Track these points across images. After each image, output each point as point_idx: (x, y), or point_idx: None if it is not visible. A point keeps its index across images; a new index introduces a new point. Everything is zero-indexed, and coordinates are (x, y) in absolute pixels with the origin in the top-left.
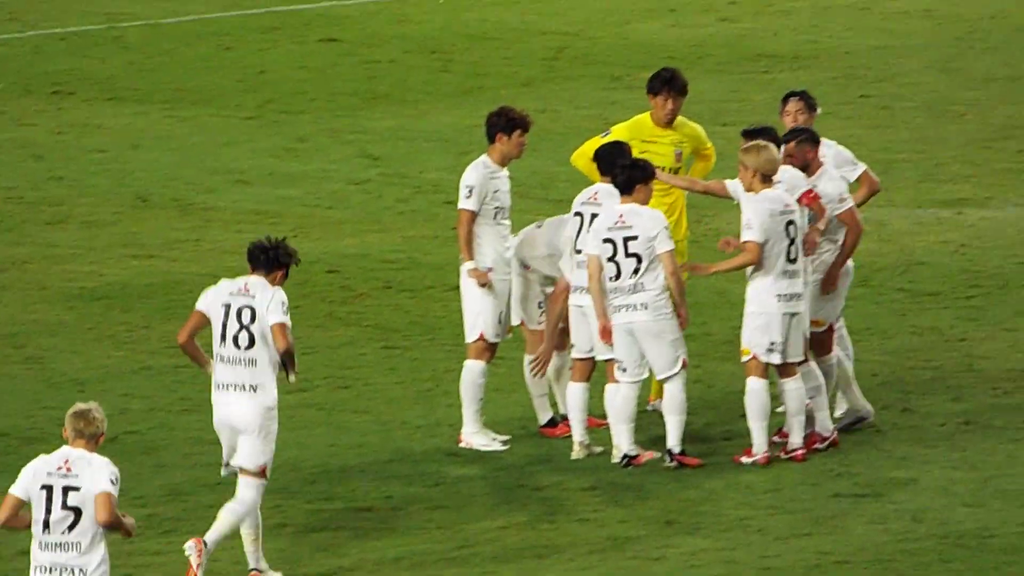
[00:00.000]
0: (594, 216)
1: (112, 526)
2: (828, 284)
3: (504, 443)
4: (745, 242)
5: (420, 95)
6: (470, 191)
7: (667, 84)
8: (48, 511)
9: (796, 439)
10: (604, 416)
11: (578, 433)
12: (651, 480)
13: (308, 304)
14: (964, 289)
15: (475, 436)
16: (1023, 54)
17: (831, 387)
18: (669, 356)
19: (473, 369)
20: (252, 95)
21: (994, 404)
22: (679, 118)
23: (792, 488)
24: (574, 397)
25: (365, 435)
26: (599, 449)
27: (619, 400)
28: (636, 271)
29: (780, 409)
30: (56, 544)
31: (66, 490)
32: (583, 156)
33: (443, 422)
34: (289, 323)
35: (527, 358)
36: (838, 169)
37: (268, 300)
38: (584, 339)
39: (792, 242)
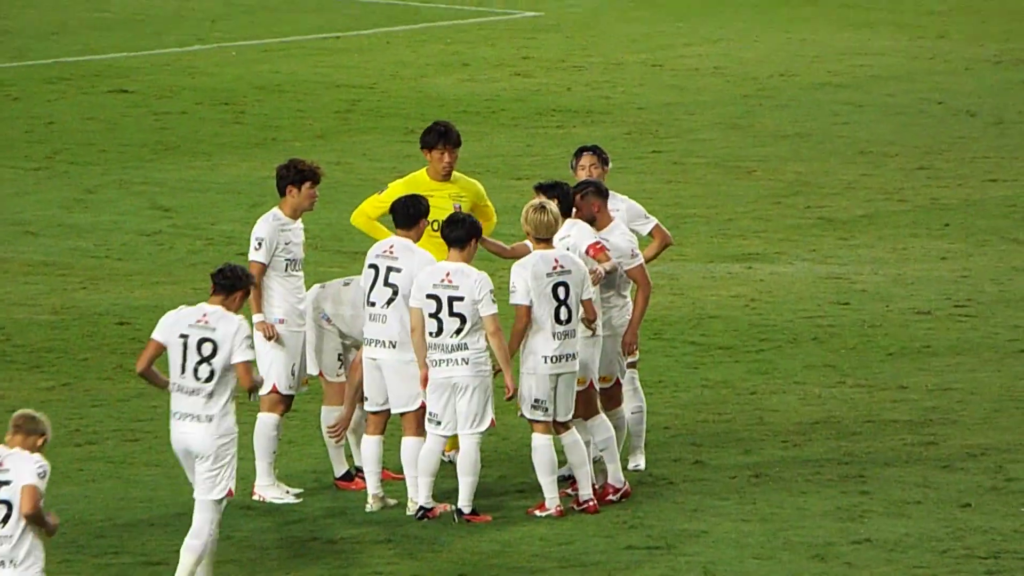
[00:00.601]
0: (390, 270)
1: (34, 519)
2: (629, 344)
3: (297, 496)
4: (514, 304)
5: (212, 147)
6: (259, 243)
7: (442, 137)
8: None
9: (585, 491)
10: (399, 469)
11: (373, 486)
12: (446, 533)
13: (97, 356)
14: (755, 343)
15: (268, 489)
16: (811, 111)
17: (622, 439)
18: (478, 413)
19: (267, 422)
20: (40, 146)
21: (783, 456)
22: (456, 172)
23: (585, 540)
24: (369, 450)
25: (155, 488)
26: (393, 502)
27: (425, 453)
28: (459, 331)
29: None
30: None
31: None
32: (361, 215)
33: (236, 475)
34: (253, 357)
35: (324, 410)
36: (631, 223)
37: (232, 336)
38: (377, 392)
39: (562, 303)
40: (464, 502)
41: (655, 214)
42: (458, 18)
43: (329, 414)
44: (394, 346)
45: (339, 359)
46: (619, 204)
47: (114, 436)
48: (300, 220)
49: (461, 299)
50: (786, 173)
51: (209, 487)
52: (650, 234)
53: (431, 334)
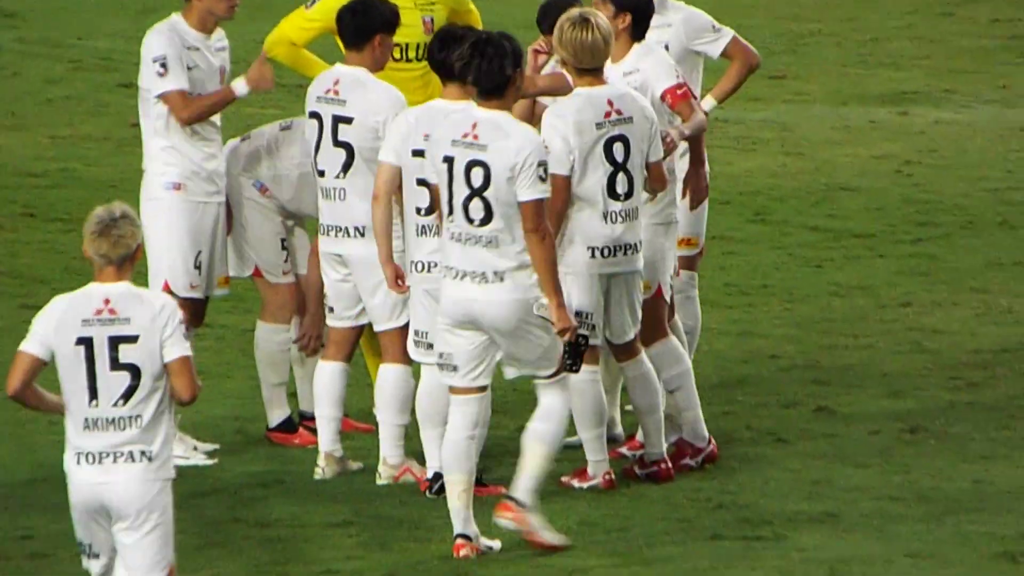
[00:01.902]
0: (337, 121)
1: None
2: (697, 193)
3: (210, 455)
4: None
5: None
6: (163, 64)
7: None
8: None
9: (654, 448)
10: (368, 416)
11: (327, 440)
12: (435, 513)
13: None
14: (910, 228)
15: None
16: None
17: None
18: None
19: None
20: None
21: (953, 402)
22: None
23: (647, 524)
24: (325, 384)
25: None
26: (357, 465)
27: (425, 394)
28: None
29: (630, 407)
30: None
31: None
32: (282, 42)
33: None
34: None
35: (261, 328)
36: (691, 42)
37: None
38: (341, 299)
39: (619, 168)
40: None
41: (755, 31)
42: None
43: (271, 334)
44: (362, 234)
45: (282, 247)
46: (673, 14)
47: None
48: (217, 35)
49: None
50: None
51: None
52: (724, 54)
53: (420, 210)
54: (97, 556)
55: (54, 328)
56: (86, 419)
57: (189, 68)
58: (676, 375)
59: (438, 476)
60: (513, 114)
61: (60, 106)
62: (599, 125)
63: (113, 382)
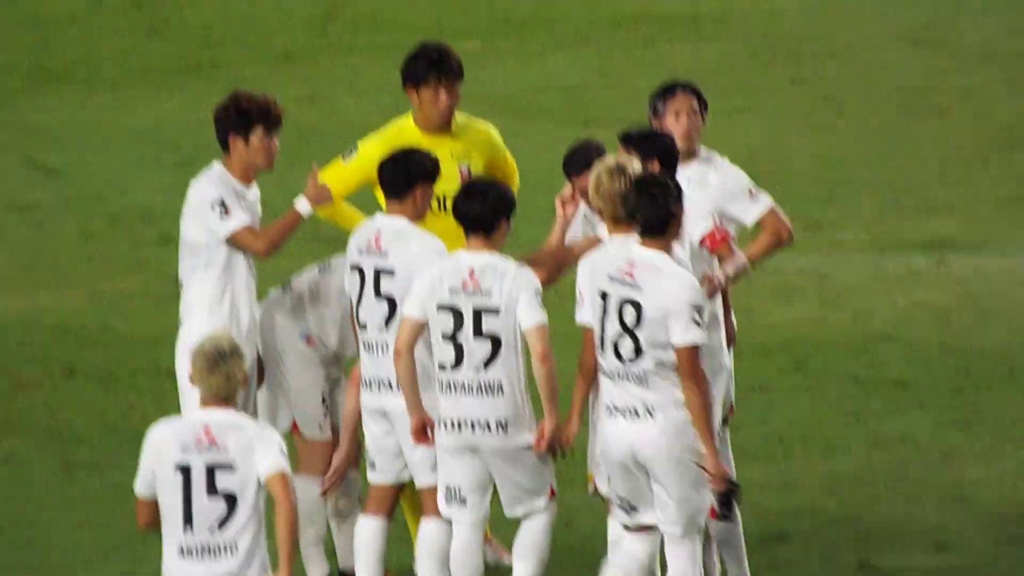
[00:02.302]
0: (379, 274)
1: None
2: (730, 340)
3: None
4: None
5: (119, 73)
6: (223, 204)
7: (434, 67)
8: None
9: None
10: (409, 572)
11: None
12: None
13: None
14: (950, 378)
15: None
16: None
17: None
18: (531, 487)
19: None
20: None
21: (998, 555)
22: (459, 116)
23: None
24: (366, 539)
25: None
26: None
27: (460, 551)
28: (490, 360)
29: None
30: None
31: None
32: None
33: None
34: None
35: (297, 479)
36: (724, 205)
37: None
38: (382, 453)
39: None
40: None
41: (792, 180)
42: None
43: (307, 488)
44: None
45: (323, 402)
46: (710, 172)
47: None
48: (255, 185)
49: (495, 311)
50: (998, 115)
51: None
52: (758, 224)
53: (445, 366)
54: None
55: (155, 456)
56: (180, 546)
57: None
58: (723, 529)
59: None
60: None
61: (99, 262)
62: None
63: (209, 508)
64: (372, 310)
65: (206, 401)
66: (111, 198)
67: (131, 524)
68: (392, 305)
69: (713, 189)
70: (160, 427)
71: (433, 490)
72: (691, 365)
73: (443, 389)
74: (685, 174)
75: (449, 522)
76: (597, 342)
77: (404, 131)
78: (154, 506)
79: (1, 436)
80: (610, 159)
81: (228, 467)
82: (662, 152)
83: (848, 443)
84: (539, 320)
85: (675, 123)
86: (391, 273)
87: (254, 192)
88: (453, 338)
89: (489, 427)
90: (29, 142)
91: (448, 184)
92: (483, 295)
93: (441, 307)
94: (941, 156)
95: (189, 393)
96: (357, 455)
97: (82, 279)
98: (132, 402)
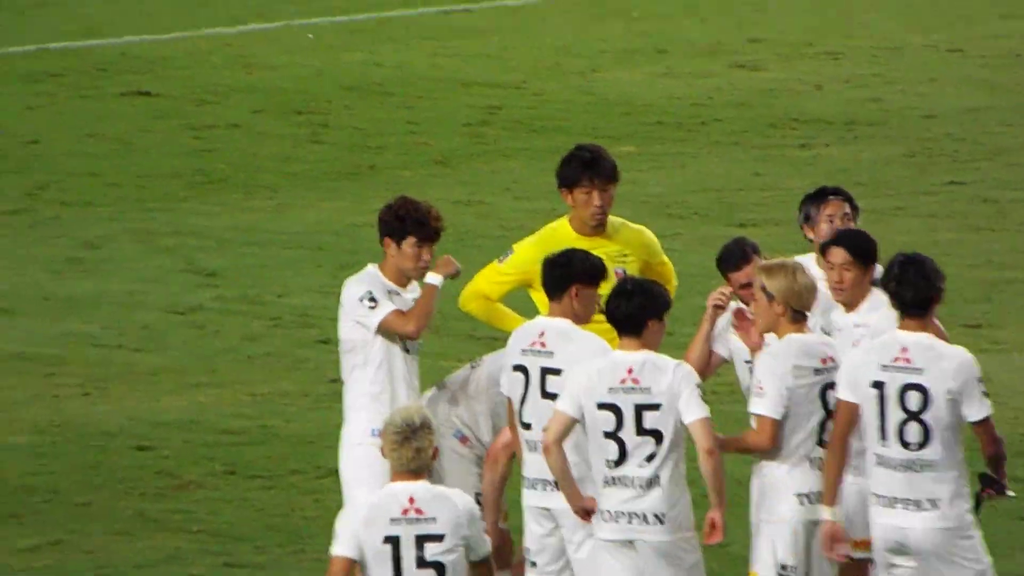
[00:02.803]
0: (545, 373)
1: None
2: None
3: None
4: (757, 414)
5: (278, 178)
6: (372, 299)
7: (588, 169)
8: None
9: None
10: None
11: None
12: None
13: (105, 499)
14: None
15: None
16: None
17: None
18: None
19: None
20: (17, 178)
21: None
22: (614, 219)
23: None
24: None
25: None
26: None
27: None
28: (652, 456)
29: None
30: None
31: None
32: (476, 295)
33: None
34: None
35: None
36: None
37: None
38: (545, 551)
39: (829, 415)
40: None
41: (951, 280)
42: None
43: None
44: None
45: (477, 501)
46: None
47: None
48: (413, 287)
49: (656, 407)
50: None
51: None
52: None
53: (609, 462)
54: None
55: (363, 526)
56: None
57: None
58: None
59: None
60: (693, 362)
61: (259, 363)
62: (818, 370)
63: None
64: (538, 410)
65: (398, 475)
66: (270, 300)
67: None
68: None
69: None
70: (366, 498)
71: None
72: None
73: (605, 484)
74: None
75: None
76: (874, 432)
77: (559, 234)
78: (349, 570)
79: (164, 535)
80: (785, 259)
81: (438, 538)
82: (861, 249)
83: (1012, 547)
84: (702, 414)
85: (829, 228)
86: (557, 372)
87: (412, 292)
88: (615, 435)
89: (647, 519)
90: (190, 246)
91: (604, 286)
92: (643, 392)
93: (601, 405)
94: None
95: (354, 487)
96: (507, 552)
97: (242, 380)
98: (292, 501)
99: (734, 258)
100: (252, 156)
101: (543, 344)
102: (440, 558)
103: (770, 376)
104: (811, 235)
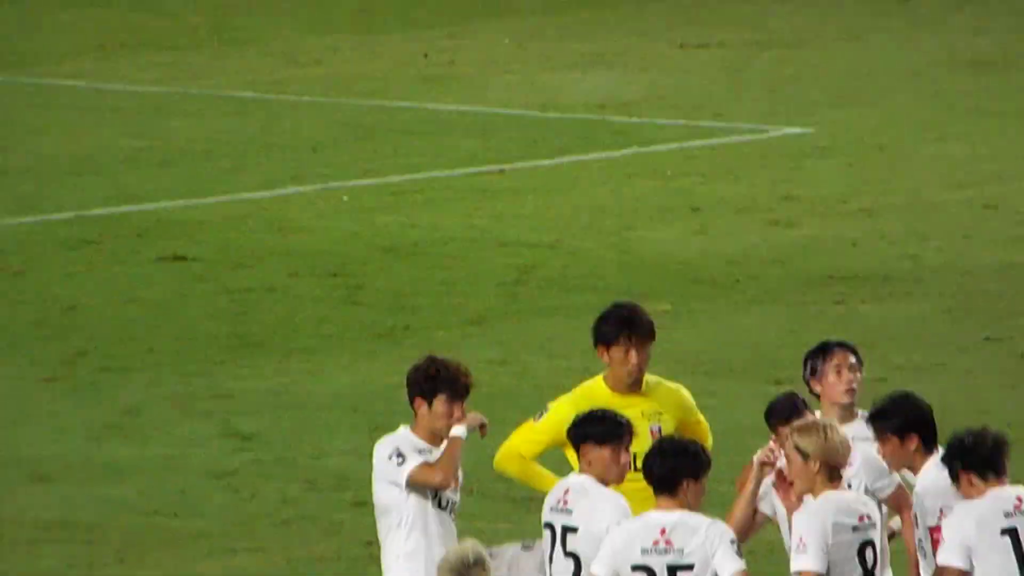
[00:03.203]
0: (566, 531)
1: None
2: None
3: None
4: (800, 571)
5: (314, 340)
6: (400, 455)
7: (626, 327)
8: None
9: None
10: None
11: None
12: None
13: None
14: None
15: None
16: None
17: None
18: None
19: None
20: (56, 344)
21: None
22: (650, 377)
23: None
24: None
25: None
26: None
27: None
28: None
29: None
30: None
31: None
32: (511, 455)
33: None
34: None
35: None
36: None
37: None
38: None
39: (869, 572)
40: None
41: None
42: (684, 138)
43: None
44: None
45: None
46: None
47: None
48: (442, 445)
49: (689, 567)
50: None
51: None
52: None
53: None
54: None
55: None
56: None
57: None
58: None
59: None
60: (737, 521)
61: (295, 526)
62: (855, 528)
63: None
64: (560, 568)
65: None
66: (306, 463)
67: None
68: (577, 562)
69: (856, 467)
70: None
71: None
72: None
73: None
74: (850, 432)
75: None
76: None
77: (595, 392)
78: None
79: None
80: (820, 418)
81: None
82: (910, 422)
83: None
84: (738, 567)
85: (837, 379)
86: (575, 530)
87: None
88: None
89: None
90: (227, 409)
91: (640, 444)
92: (676, 553)
93: (635, 568)
94: None
95: None
96: None
97: (278, 543)
98: None
99: (785, 411)
100: (288, 319)
101: (565, 503)
102: None
103: (810, 532)
104: (817, 388)
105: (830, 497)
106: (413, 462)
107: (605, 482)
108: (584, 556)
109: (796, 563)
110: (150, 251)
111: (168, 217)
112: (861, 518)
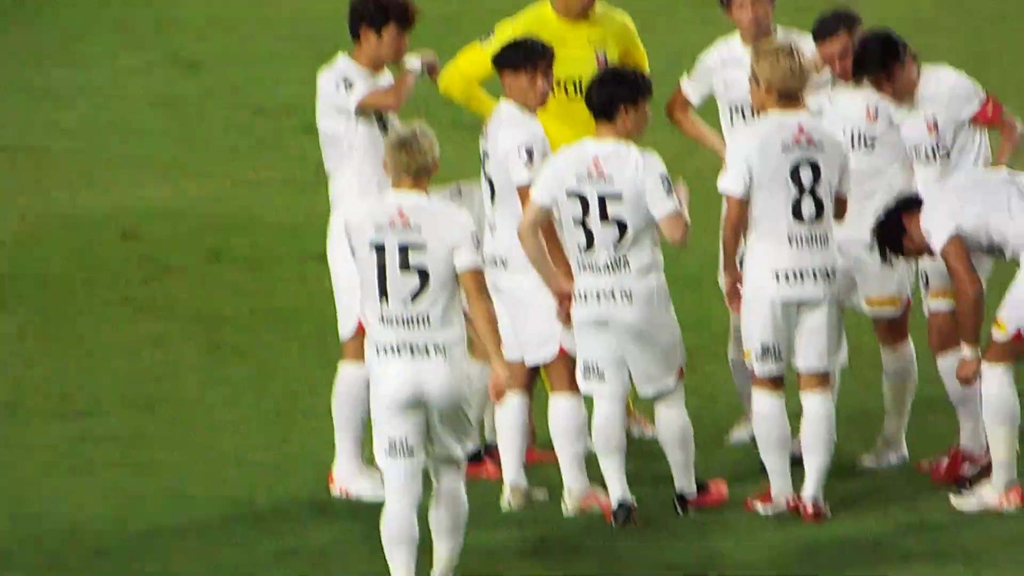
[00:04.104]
0: (485, 155)
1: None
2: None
3: None
4: (722, 192)
5: None
6: (348, 83)
7: None
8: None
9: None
10: (549, 445)
11: (511, 472)
12: (624, 541)
13: (93, 285)
14: None
15: (355, 478)
16: None
17: (910, 393)
18: (661, 366)
19: (348, 378)
20: None
21: None
22: (598, 5)
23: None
24: (506, 415)
25: (179, 480)
26: (542, 495)
27: (603, 426)
28: (619, 242)
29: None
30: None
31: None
32: (456, 77)
33: (301, 458)
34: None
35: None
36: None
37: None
38: (515, 334)
39: (805, 192)
40: (684, 483)
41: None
42: None
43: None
44: (505, 264)
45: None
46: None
47: (119, 403)
48: (387, 74)
49: (618, 197)
50: None
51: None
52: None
53: (579, 248)
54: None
55: (355, 229)
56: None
57: None
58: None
59: (622, 506)
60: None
61: (242, 152)
62: (786, 147)
63: (402, 283)
64: (485, 192)
65: (398, 182)
66: (252, 90)
67: (276, 401)
68: (492, 186)
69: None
70: (358, 209)
71: (553, 365)
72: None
73: (579, 268)
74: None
75: (578, 394)
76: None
77: (542, 16)
78: None
79: (150, 319)
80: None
81: (420, 247)
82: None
83: None
84: (669, 210)
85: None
86: (488, 156)
87: (385, 79)
88: (583, 223)
89: (614, 297)
90: (171, 37)
91: (585, 69)
92: (606, 182)
93: (570, 194)
94: None
95: (343, 279)
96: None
97: (226, 168)
98: (276, 285)
99: (827, 30)
100: None
101: (485, 133)
102: (424, 265)
103: (732, 155)
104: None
105: (767, 118)
106: (361, 89)
107: (527, 107)
108: (496, 179)
109: (719, 184)
110: None
111: None
112: (797, 139)
